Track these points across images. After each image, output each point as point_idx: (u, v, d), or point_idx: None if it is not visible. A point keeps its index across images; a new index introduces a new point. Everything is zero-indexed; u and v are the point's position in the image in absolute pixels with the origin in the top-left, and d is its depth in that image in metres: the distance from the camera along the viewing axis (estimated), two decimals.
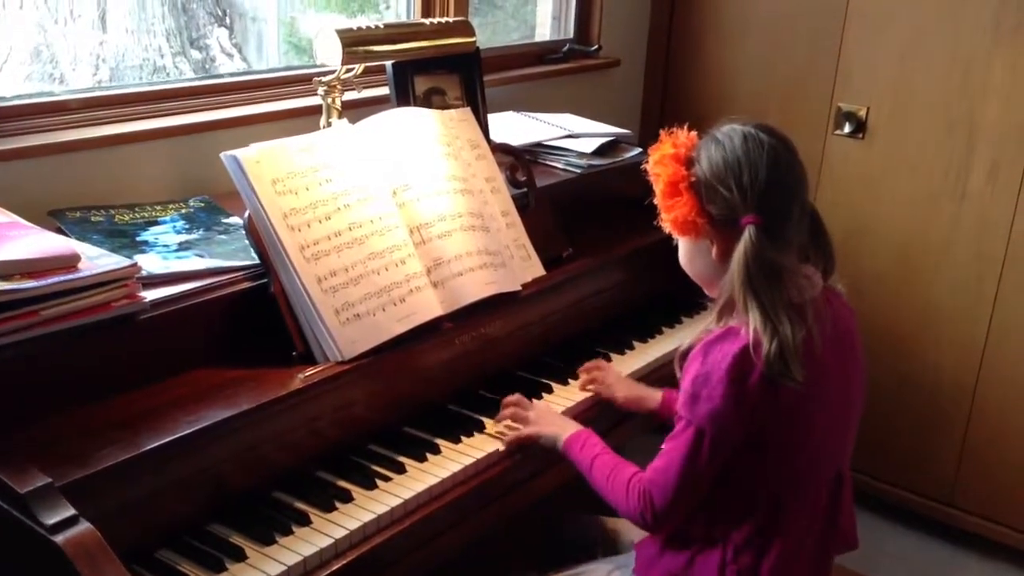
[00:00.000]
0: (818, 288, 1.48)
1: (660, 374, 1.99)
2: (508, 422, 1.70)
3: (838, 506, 1.56)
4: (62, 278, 1.34)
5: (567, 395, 1.86)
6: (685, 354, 1.48)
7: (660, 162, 1.49)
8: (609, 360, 2.00)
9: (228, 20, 2.55)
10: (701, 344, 1.44)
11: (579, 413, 1.80)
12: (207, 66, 2.48)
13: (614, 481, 1.52)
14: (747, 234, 1.40)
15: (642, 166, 1.54)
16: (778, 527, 1.47)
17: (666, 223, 1.50)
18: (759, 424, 1.41)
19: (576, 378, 1.91)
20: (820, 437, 1.49)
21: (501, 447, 1.65)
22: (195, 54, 2.50)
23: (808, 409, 1.44)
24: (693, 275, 1.56)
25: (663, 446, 1.48)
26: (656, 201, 1.51)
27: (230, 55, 2.57)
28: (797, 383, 1.36)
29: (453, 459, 1.61)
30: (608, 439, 1.64)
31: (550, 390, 1.86)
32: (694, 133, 1.52)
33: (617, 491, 1.51)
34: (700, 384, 1.41)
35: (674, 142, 1.50)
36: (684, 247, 1.55)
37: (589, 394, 1.86)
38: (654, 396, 1.83)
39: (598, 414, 1.83)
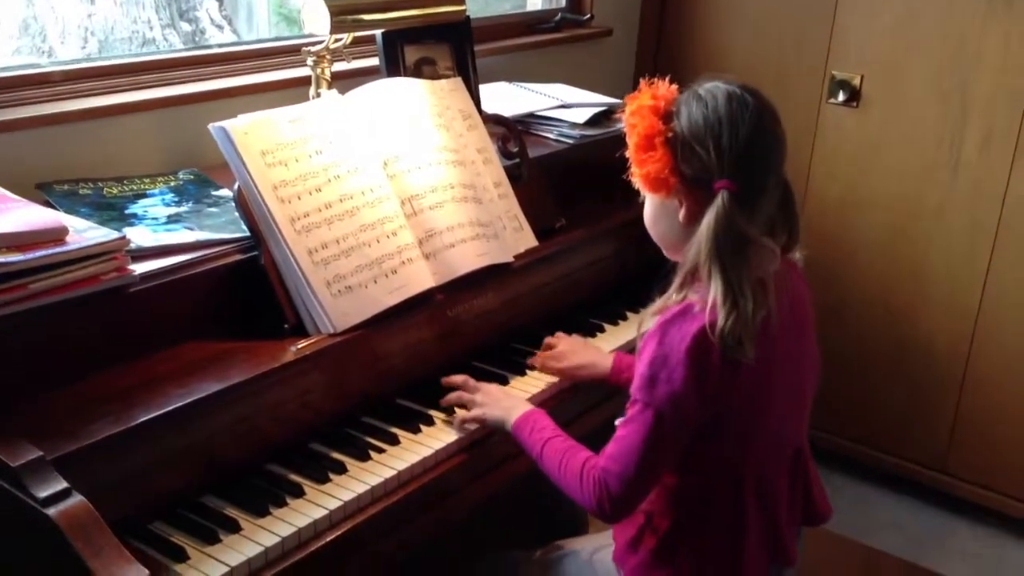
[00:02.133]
0: (777, 263, 1.41)
1: None
2: (458, 408, 1.64)
3: (804, 480, 1.55)
4: (50, 251, 1.33)
5: None
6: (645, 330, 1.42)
7: (637, 112, 1.40)
8: (603, 331, 2.00)
9: None
10: (657, 323, 1.37)
11: (564, 389, 1.79)
12: (197, 38, 2.46)
13: (566, 468, 1.44)
14: (719, 200, 1.33)
15: (618, 114, 1.48)
16: (747, 507, 1.45)
17: (636, 178, 1.43)
18: (721, 404, 1.37)
19: None
20: (779, 413, 1.46)
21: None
22: (185, 26, 2.48)
23: (767, 386, 1.41)
24: (656, 236, 1.49)
25: (617, 431, 1.42)
26: (628, 154, 1.43)
27: (220, 27, 2.55)
28: (748, 359, 1.32)
29: (447, 430, 1.61)
30: (593, 415, 1.61)
31: None
32: (675, 87, 1.44)
33: (570, 479, 1.43)
34: (658, 366, 1.35)
35: (654, 93, 1.41)
36: (650, 206, 1.47)
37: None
38: (603, 361, 1.76)
39: (583, 388, 1.82)
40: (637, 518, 1.50)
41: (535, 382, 1.78)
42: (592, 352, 1.81)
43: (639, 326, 1.46)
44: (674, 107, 1.40)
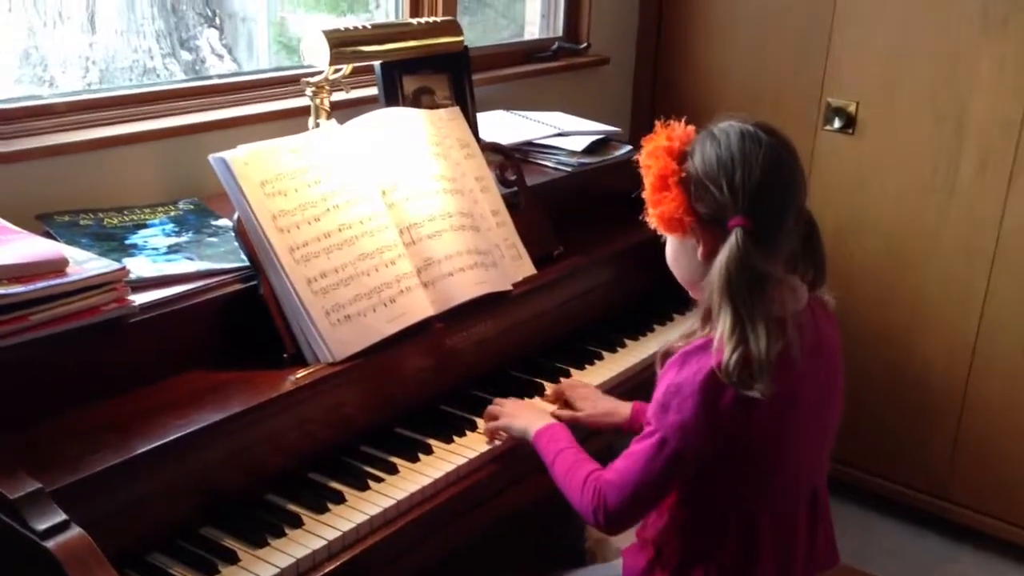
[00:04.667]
0: (803, 302, 1.42)
1: (651, 372, 1.98)
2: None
3: (817, 523, 1.54)
4: (51, 282, 1.34)
5: None
6: (667, 354, 1.43)
7: (652, 154, 1.42)
8: (601, 358, 2.00)
9: (218, 21, 2.55)
10: (680, 352, 1.39)
11: None
12: (197, 67, 2.47)
13: (572, 476, 1.47)
14: (733, 238, 1.33)
15: (635, 157, 1.48)
16: (761, 545, 1.45)
17: (652, 219, 1.44)
18: (732, 442, 1.37)
19: (569, 376, 1.91)
20: (796, 454, 1.45)
21: (491, 445, 1.65)
22: (185, 55, 2.49)
23: (784, 426, 1.41)
24: (678, 275, 1.50)
25: (628, 447, 1.44)
26: (644, 195, 1.45)
27: (220, 56, 2.56)
28: (760, 395, 1.31)
29: (445, 459, 1.61)
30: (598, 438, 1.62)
31: (542, 389, 1.85)
32: (692, 128, 1.45)
33: (573, 486, 1.46)
34: (672, 394, 1.37)
35: (669, 135, 1.43)
36: (671, 245, 1.48)
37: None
38: (622, 410, 1.75)
39: None
40: (648, 551, 1.51)
41: None
42: (610, 400, 1.79)
43: (660, 356, 1.47)
44: (689, 148, 1.41)
